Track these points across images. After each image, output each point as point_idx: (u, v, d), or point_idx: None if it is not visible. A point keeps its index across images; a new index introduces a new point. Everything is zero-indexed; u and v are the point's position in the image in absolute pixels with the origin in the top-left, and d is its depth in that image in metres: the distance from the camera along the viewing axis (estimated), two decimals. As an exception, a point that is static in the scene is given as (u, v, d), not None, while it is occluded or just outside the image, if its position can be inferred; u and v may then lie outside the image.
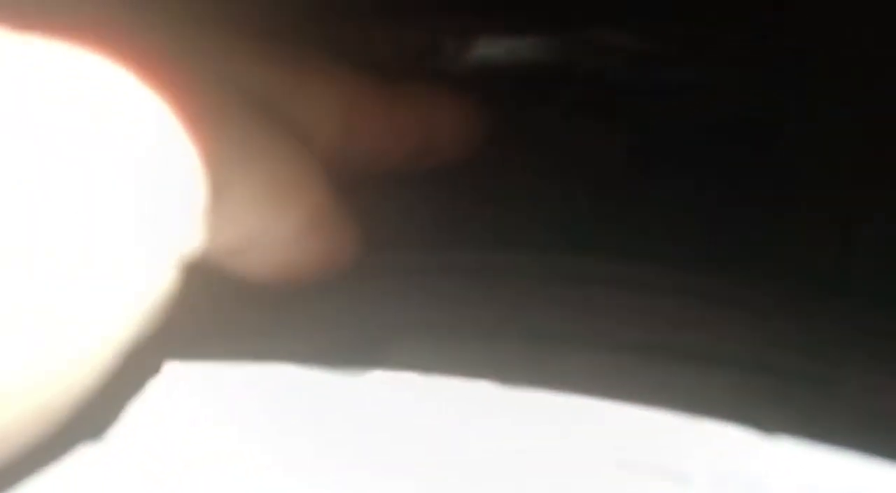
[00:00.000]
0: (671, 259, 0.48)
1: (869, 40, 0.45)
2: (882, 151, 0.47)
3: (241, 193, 0.21)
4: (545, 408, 0.18)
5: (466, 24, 0.30)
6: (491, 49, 0.29)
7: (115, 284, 0.18)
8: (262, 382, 0.19)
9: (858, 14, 0.39)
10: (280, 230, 0.22)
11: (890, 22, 0.41)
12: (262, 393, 0.19)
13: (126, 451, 0.18)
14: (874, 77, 0.47)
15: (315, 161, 0.23)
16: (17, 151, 0.17)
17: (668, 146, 0.43)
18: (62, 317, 0.17)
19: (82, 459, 0.18)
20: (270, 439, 0.18)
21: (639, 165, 0.47)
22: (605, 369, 0.19)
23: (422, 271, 0.24)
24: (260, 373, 0.20)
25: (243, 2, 0.30)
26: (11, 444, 0.17)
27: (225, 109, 0.21)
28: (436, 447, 0.18)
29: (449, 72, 0.30)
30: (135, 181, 0.18)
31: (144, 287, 0.18)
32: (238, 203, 0.21)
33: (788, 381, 0.19)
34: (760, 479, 0.16)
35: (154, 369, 0.20)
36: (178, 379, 0.19)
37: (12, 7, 0.18)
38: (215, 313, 0.23)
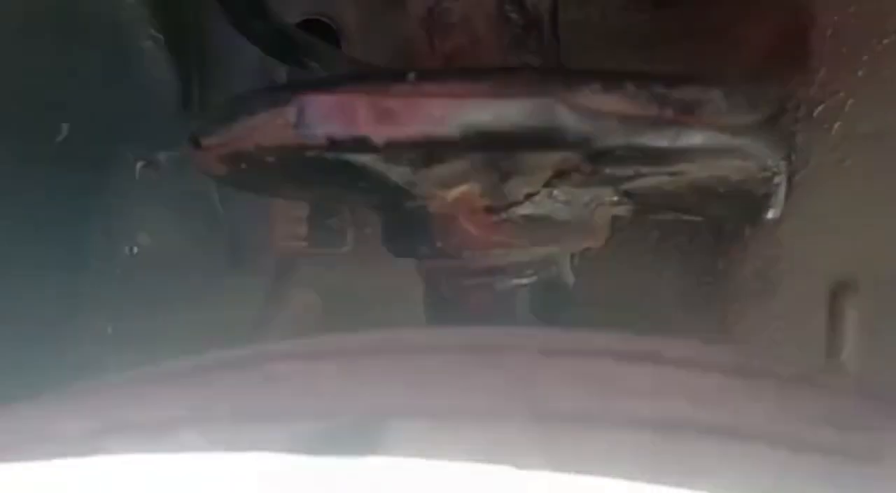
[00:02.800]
0: (665, 328, 0.47)
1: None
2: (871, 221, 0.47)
3: None
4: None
5: (454, 88, 0.29)
6: (480, 113, 0.28)
7: None
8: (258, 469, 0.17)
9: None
10: None
11: None
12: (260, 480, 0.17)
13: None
14: (856, 146, 0.47)
15: None
16: None
17: (658, 212, 0.42)
18: None
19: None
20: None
21: (626, 233, 0.46)
22: (625, 449, 0.17)
23: (417, 348, 0.22)
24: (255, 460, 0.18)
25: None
26: None
27: None
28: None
29: (434, 138, 0.29)
30: None
31: None
32: None
33: (827, 458, 0.17)
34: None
35: None
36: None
37: None
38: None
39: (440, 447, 0.17)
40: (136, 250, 0.52)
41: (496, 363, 0.22)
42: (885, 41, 0.45)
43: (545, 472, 0.16)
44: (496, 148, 0.30)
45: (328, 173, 0.34)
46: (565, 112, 0.27)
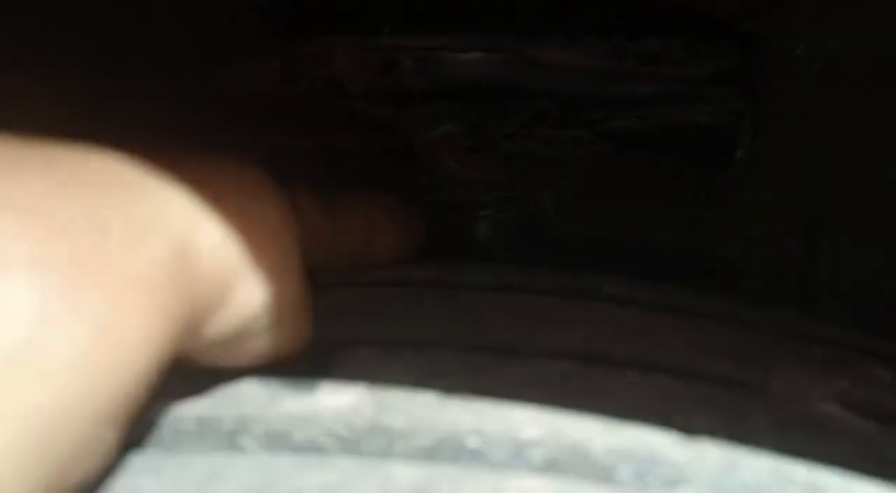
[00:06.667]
0: (628, 268, 0.49)
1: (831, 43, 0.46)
2: (848, 161, 0.48)
3: None
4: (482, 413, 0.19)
5: (424, 41, 0.30)
6: (449, 65, 0.30)
7: None
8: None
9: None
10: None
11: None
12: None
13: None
14: (836, 85, 0.48)
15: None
16: None
17: (629, 155, 0.43)
18: None
19: None
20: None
21: (608, 172, 0.48)
22: (546, 377, 0.20)
23: (372, 284, 0.25)
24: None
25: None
26: None
27: None
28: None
29: (408, 88, 0.31)
30: None
31: None
32: None
33: (717, 387, 0.20)
34: (681, 474, 0.17)
35: None
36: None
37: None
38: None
39: (382, 374, 0.20)
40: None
41: (450, 297, 0.24)
42: (872, -22, 0.45)
43: (468, 398, 0.19)
44: (465, 97, 0.32)
45: (314, 113, 0.36)
46: (529, 66, 0.29)
